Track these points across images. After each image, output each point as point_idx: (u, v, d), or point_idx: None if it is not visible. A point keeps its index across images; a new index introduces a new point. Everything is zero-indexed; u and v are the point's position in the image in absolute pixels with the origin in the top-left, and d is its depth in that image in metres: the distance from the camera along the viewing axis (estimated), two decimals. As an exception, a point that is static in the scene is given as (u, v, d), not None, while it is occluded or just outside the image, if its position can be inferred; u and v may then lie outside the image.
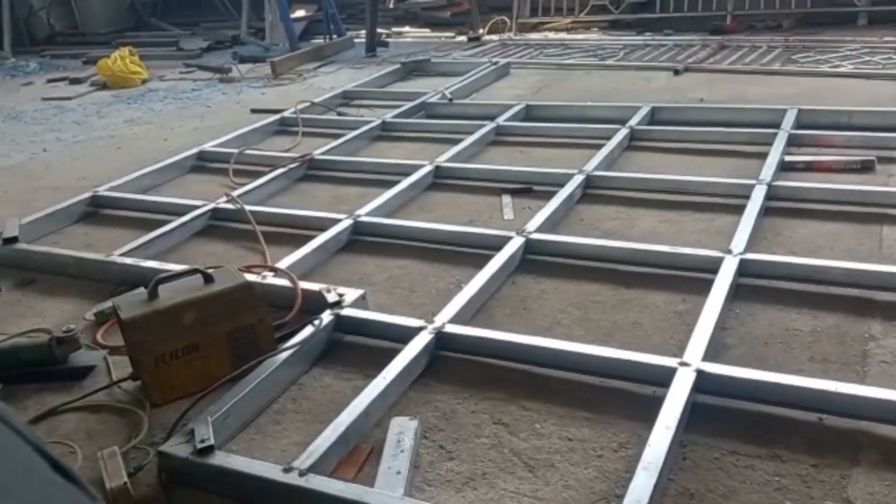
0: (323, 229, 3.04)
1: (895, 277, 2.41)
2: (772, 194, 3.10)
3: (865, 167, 3.35)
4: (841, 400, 1.89)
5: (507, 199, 3.37)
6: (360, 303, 2.48)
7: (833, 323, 2.31)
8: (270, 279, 2.63)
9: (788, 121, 3.86)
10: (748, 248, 2.63)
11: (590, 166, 3.46)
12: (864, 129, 3.74)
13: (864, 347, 2.18)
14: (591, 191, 3.37)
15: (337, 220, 3.10)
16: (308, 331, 2.29)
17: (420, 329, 2.28)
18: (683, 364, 2.02)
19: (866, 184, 3.17)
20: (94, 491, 0.42)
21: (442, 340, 2.27)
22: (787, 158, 3.47)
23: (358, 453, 1.93)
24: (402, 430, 1.94)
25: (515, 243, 2.79)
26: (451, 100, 4.83)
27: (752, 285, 2.53)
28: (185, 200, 3.47)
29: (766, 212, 3.01)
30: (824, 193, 3.09)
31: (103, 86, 6.48)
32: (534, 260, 2.82)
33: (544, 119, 4.35)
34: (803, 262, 2.54)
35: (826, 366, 2.12)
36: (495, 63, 5.88)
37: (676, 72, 5.42)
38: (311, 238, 2.99)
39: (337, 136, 4.30)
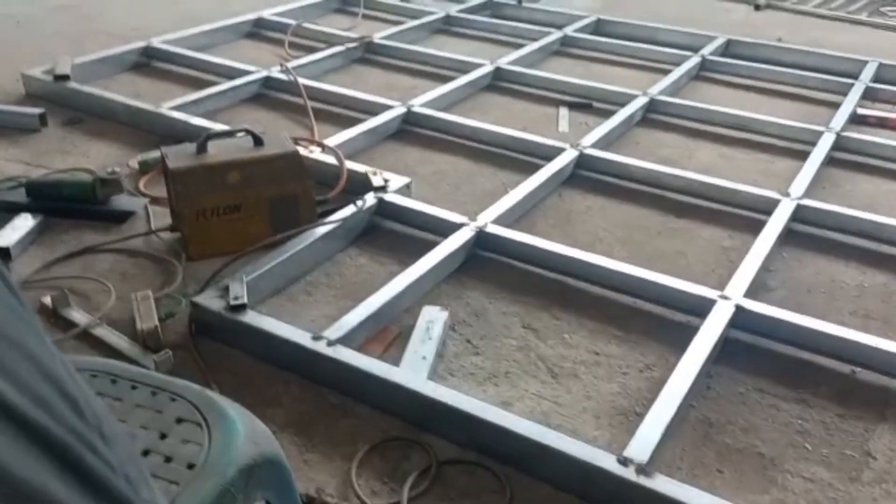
0: (374, 114, 2.99)
1: (955, 246, 2.33)
2: (839, 145, 2.98)
3: (941, 131, 3.20)
4: (877, 355, 1.86)
5: (564, 111, 3.27)
6: (404, 191, 2.46)
7: (881, 281, 2.25)
8: (317, 154, 2.60)
9: (867, 73, 3.68)
10: (806, 195, 2.55)
11: (654, 90, 3.33)
12: (947, 92, 3.55)
13: (910, 309, 2.13)
14: (653, 115, 3.26)
15: (389, 107, 3.03)
16: (350, 209, 2.28)
17: (462, 225, 2.26)
18: (724, 297, 1.99)
19: (940, 148, 3.03)
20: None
21: (482, 239, 2.25)
22: (860, 111, 3.32)
23: (386, 333, 1.94)
24: (432, 319, 1.94)
25: (568, 156, 2.72)
26: (520, 1, 4.64)
27: (805, 232, 2.46)
28: (238, 64, 3.41)
29: (829, 161, 2.90)
30: (893, 151, 2.96)
31: (165, -61, 6.31)
32: (584, 175, 2.75)
33: (614, 35, 4.17)
34: (860, 216, 2.46)
35: (867, 322, 2.07)
36: (569, -29, 5.61)
37: (757, 7, 5.15)
38: (361, 121, 2.94)
39: (398, 23, 4.17)
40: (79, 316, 1.93)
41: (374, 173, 2.45)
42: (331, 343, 1.76)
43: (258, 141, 2.16)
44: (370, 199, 2.34)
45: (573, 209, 2.56)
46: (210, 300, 1.88)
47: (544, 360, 1.90)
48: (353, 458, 1.59)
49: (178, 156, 2.14)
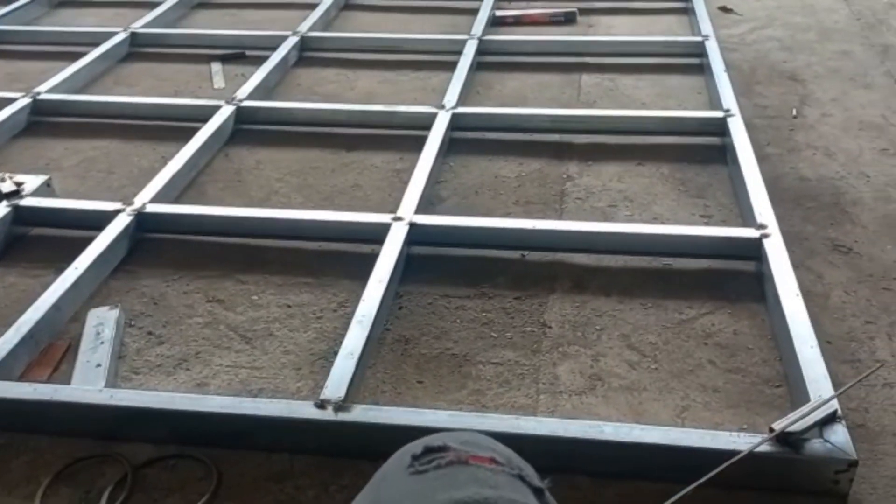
0: (-7, 111, 2.61)
1: (589, 120, 2.59)
2: (483, 49, 3.15)
3: (568, 19, 3.52)
4: (540, 236, 2.02)
5: (216, 66, 3.11)
6: (44, 190, 2.19)
7: (537, 168, 2.44)
8: (-75, 173, 2.22)
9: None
10: (460, 103, 2.67)
11: (304, 27, 3.28)
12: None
13: (562, 187, 2.34)
14: (308, 53, 3.21)
15: (11, 100, 2.67)
16: (-23, 226, 1.98)
17: (117, 212, 2.07)
18: (397, 219, 2.03)
19: (568, 34, 3.34)
20: None
21: (144, 222, 2.08)
22: (498, 13, 3.54)
23: (53, 352, 1.74)
24: (102, 322, 1.77)
25: (225, 112, 2.60)
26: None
27: (465, 138, 2.59)
28: None
29: (478, 67, 3.07)
30: (530, 46, 3.21)
31: None
32: (247, 129, 2.65)
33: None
34: (509, 112, 2.65)
35: (529, 207, 2.24)
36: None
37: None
38: (-22, 122, 2.56)
39: (6, 3, 3.65)
40: None
41: (3, 179, 2.15)
42: (-23, 383, 1.53)
43: None
44: (2, 209, 2.05)
45: (242, 167, 2.46)
46: None
47: (235, 329, 1.82)
48: (35, 494, 1.41)
49: None
